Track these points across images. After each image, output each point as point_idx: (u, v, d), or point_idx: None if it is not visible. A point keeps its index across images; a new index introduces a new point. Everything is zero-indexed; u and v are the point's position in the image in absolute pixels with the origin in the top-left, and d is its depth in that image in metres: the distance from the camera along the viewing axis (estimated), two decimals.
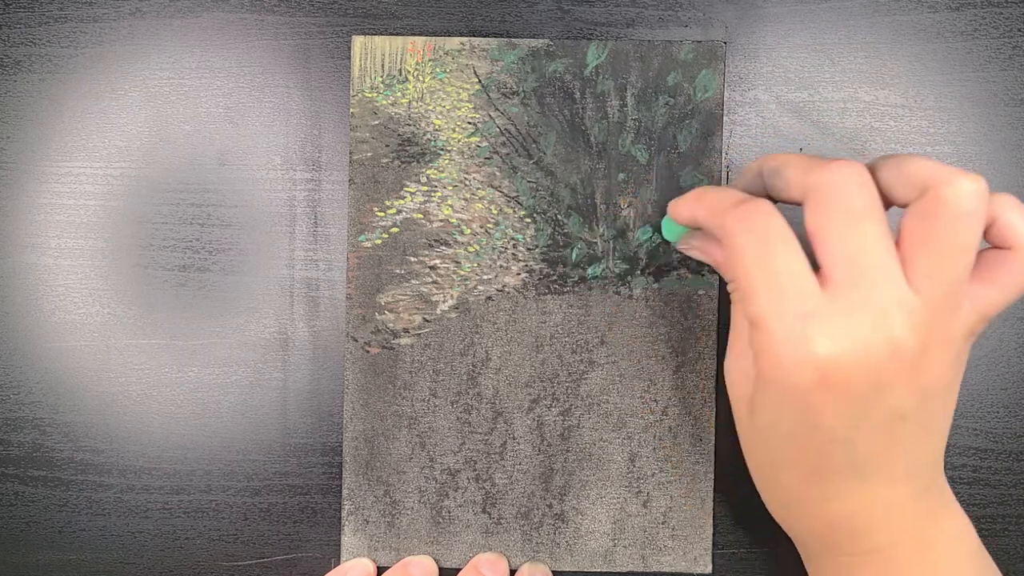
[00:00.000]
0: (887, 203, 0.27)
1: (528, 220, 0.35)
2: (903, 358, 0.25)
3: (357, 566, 0.35)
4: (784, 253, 0.25)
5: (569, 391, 0.35)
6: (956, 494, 0.37)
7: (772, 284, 0.25)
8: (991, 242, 0.27)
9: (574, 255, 0.35)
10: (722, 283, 0.35)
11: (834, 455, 0.27)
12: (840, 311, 0.25)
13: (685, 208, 0.30)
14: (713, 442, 0.35)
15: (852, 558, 0.29)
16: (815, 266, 0.26)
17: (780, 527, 0.36)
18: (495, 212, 0.35)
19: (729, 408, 0.36)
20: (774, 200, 0.29)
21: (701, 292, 0.35)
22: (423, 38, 0.35)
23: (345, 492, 0.35)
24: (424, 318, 0.35)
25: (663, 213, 0.35)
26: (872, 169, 0.27)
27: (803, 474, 0.28)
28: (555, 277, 0.35)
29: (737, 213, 0.26)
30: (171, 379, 0.36)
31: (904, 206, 0.26)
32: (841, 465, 0.27)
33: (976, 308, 0.27)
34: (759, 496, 0.36)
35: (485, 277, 0.35)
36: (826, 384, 0.25)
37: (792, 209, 0.28)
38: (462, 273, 0.35)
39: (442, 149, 0.35)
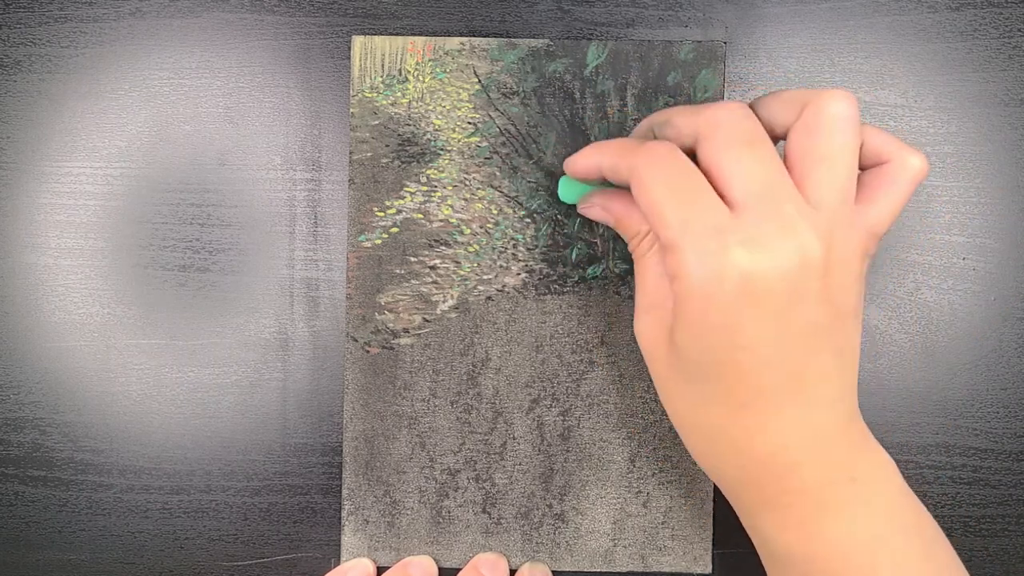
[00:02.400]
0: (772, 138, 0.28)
1: (528, 220, 0.35)
2: (814, 269, 0.26)
3: (357, 566, 0.35)
4: (691, 178, 0.27)
5: (569, 391, 0.35)
6: (956, 494, 0.37)
7: (683, 206, 0.26)
8: (865, 164, 0.29)
9: (574, 255, 0.35)
10: None
11: (761, 376, 0.27)
12: (751, 224, 0.26)
13: (585, 160, 0.31)
14: None
15: (782, 498, 0.29)
16: None
17: None
18: (495, 212, 0.35)
19: None
20: None
21: None
22: (423, 38, 0.35)
23: (345, 492, 0.35)
24: (424, 318, 0.35)
25: None
26: (754, 107, 0.29)
27: (730, 408, 0.28)
28: (555, 277, 0.35)
29: (642, 150, 0.28)
30: (171, 379, 0.36)
31: (784, 132, 0.28)
32: (768, 388, 0.27)
33: (865, 227, 0.28)
34: None
35: (485, 277, 0.35)
36: (747, 294, 0.26)
37: None
38: (462, 273, 0.35)
39: (442, 149, 0.35)
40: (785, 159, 0.27)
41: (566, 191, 0.34)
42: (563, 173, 0.35)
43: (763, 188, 0.26)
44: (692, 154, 0.28)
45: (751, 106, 0.29)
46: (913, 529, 0.29)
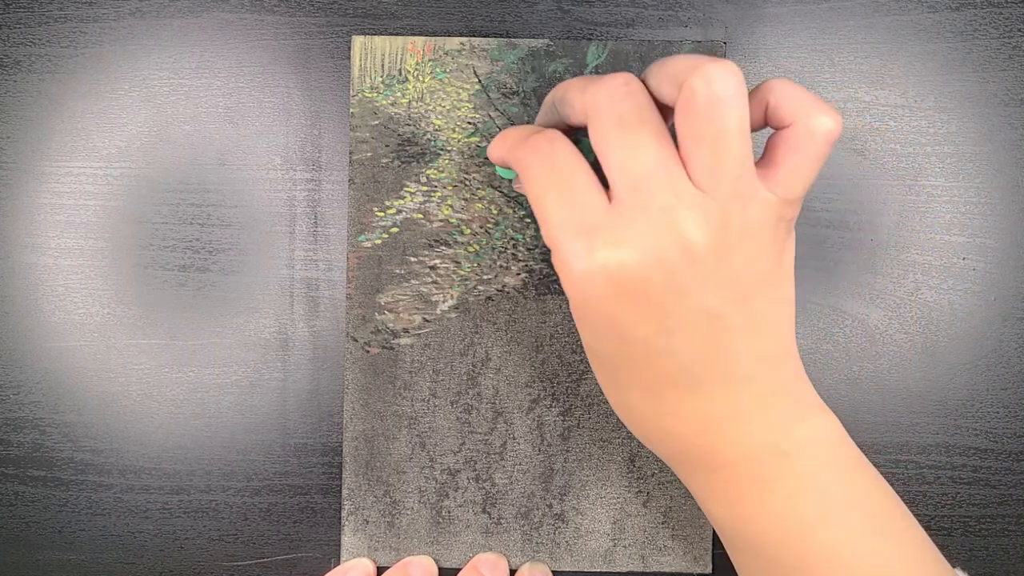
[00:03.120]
0: (666, 112, 0.27)
1: (528, 220, 0.35)
2: (698, 257, 0.25)
3: (357, 566, 0.35)
4: (570, 175, 0.26)
5: (569, 391, 0.35)
6: (956, 494, 0.37)
7: (560, 205, 0.26)
8: (774, 126, 0.27)
9: None
10: None
11: (660, 366, 0.26)
12: (622, 220, 0.25)
13: (494, 150, 0.31)
14: None
15: (713, 475, 0.28)
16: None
17: None
18: (495, 212, 0.35)
19: None
20: (574, 129, 0.30)
21: None
22: (423, 38, 0.35)
23: (345, 492, 0.35)
24: (424, 318, 0.35)
25: None
26: (645, 77, 0.27)
27: (640, 391, 0.27)
28: (555, 277, 0.35)
29: (527, 144, 0.27)
30: (171, 379, 0.36)
31: (673, 105, 0.26)
32: (672, 375, 0.27)
33: (777, 193, 0.26)
34: None
35: (485, 277, 0.35)
36: (619, 292, 0.25)
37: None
38: (462, 273, 0.35)
39: (442, 149, 0.35)
40: (676, 138, 0.26)
41: (502, 169, 0.35)
42: None
43: (639, 176, 0.25)
44: None
45: (645, 73, 0.27)
46: (859, 502, 0.28)
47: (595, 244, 0.25)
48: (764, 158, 0.27)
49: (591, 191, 0.26)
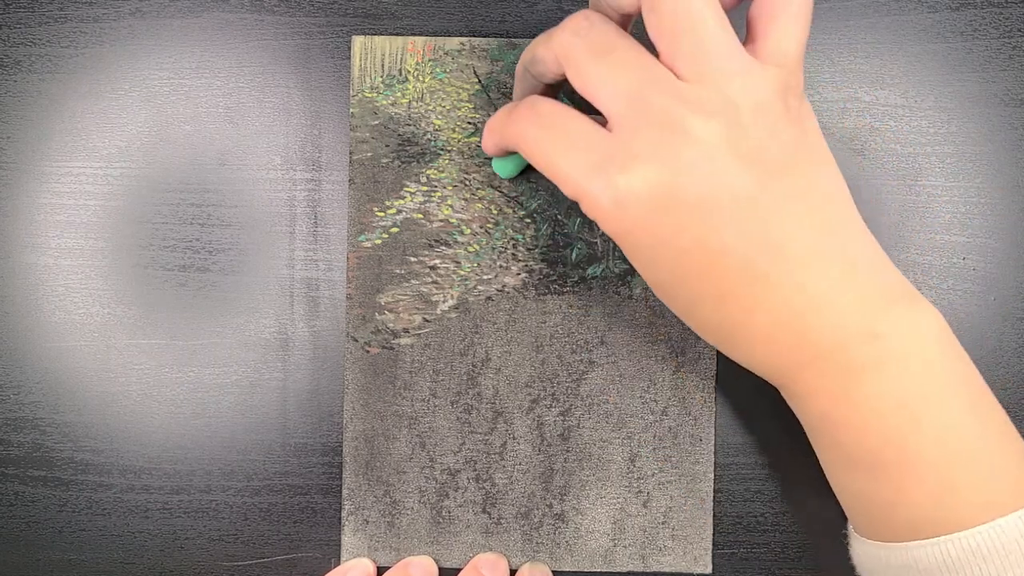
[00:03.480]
0: (627, 22, 0.27)
1: (528, 220, 0.35)
2: (713, 144, 0.24)
3: (357, 566, 0.35)
4: (563, 124, 0.26)
5: (569, 391, 0.35)
6: None
7: (566, 154, 0.25)
8: None
9: (574, 255, 0.35)
10: None
11: (723, 268, 0.26)
12: (627, 141, 0.25)
13: (486, 141, 0.31)
14: (713, 442, 0.35)
15: (801, 370, 0.27)
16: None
17: (780, 528, 0.36)
18: (495, 212, 0.35)
19: (729, 407, 0.36)
20: (555, 90, 0.30)
21: None
22: (423, 38, 0.35)
23: (345, 492, 0.35)
24: (424, 318, 0.35)
25: None
26: (596, 2, 0.27)
27: (713, 301, 0.27)
28: (555, 277, 0.35)
29: (512, 118, 0.27)
30: (171, 379, 0.36)
31: (639, 12, 0.26)
32: (737, 273, 0.26)
33: (775, 64, 0.26)
34: (759, 496, 0.36)
35: (485, 277, 0.35)
36: (653, 208, 0.25)
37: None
38: (462, 273, 0.35)
39: (442, 149, 0.35)
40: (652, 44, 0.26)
41: (499, 167, 0.34)
42: None
43: (629, 92, 0.25)
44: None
45: (593, 5, 0.27)
46: (962, 388, 0.27)
47: (611, 175, 0.24)
48: (749, 35, 0.27)
49: (588, 130, 0.25)
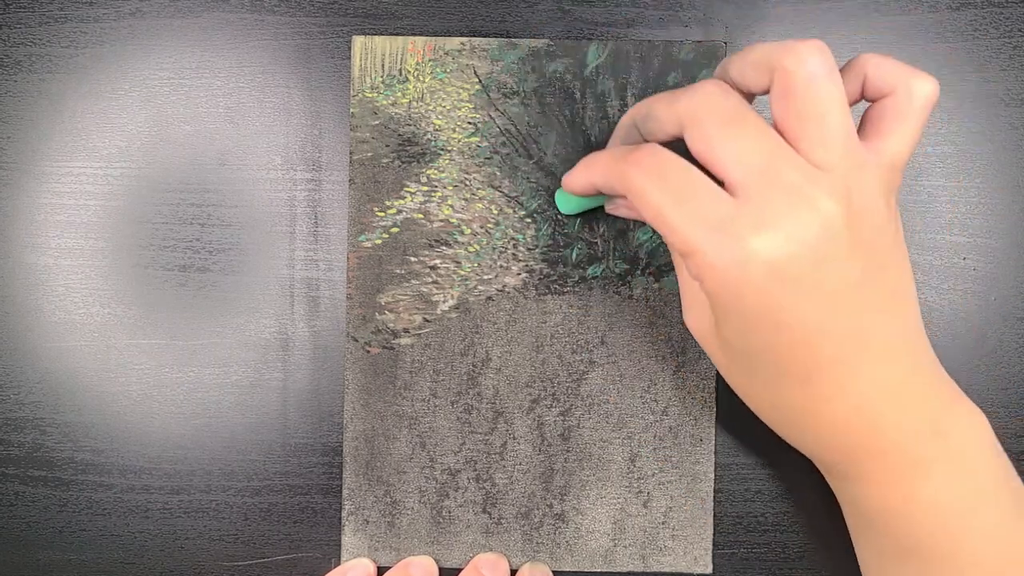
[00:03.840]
0: (750, 99, 0.28)
1: (528, 220, 0.35)
2: (835, 230, 0.25)
3: (357, 566, 0.35)
4: (684, 176, 0.26)
5: (569, 391, 0.35)
6: None
7: (683, 207, 0.26)
8: (872, 97, 0.28)
9: (574, 255, 0.35)
10: None
11: (816, 348, 0.26)
12: (758, 206, 0.25)
13: (580, 178, 0.31)
14: (713, 442, 0.35)
15: (871, 462, 0.28)
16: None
17: (780, 528, 0.36)
18: (495, 212, 0.35)
19: (729, 408, 0.36)
20: None
21: None
22: (423, 38, 0.35)
23: (345, 492, 0.35)
24: (424, 318, 0.35)
25: None
26: (724, 73, 0.28)
27: (794, 380, 0.27)
28: (555, 277, 0.35)
29: (628, 160, 0.27)
30: (171, 379, 0.36)
31: (765, 93, 0.27)
32: (828, 357, 0.26)
33: (883, 163, 0.27)
34: (759, 496, 0.36)
35: (485, 277, 0.35)
36: (773, 277, 0.25)
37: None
38: (462, 273, 0.35)
39: (442, 149, 0.35)
40: (774, 124, 0.26)
41: (564, 203, 0.34)
42: (564, 173, 0.35)
43: (761, 163, 0.25)
44: (682, 143, 0.27)
45: (721, 69, 0.28)
46: (1008, 484, 0.28)
47: (739, 233, 0.25)
48: (865, 130, 0.28)
49: (711, 187, 0.26)
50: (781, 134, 0.26)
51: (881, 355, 0.27)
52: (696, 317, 0.29)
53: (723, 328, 0.27)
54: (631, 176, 0.27)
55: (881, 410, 0.27)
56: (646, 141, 0.30)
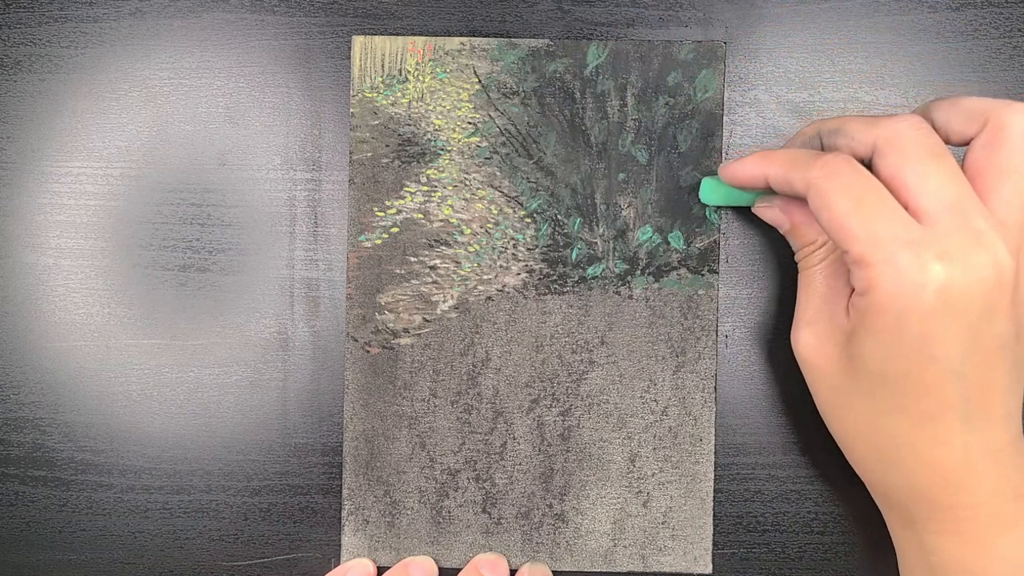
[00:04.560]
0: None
1: (528, 220, 0.35)
2: (1006, 281, 0.26)
3: (357, 566, 0.35)
4: (877, 192, 0.27)
5: (569, 391, 0.35)
6: None
7: (872, 221, 0.26)
8: None
9: (574, 255, 0.35)
10: (721, 283, 0.35)
11: (947, 390, 0.27)
12: (944, 237, 0.26)
13: (750, 167, 0.31)
14: (713, 442, 0.35)
15: (955, 512, 0.29)
16: None
17: (780, 528, 0.36)
18: (495, 212, 0.35)
19: (729, 407, 0.36)
20: None
21: (701, 292, 0.35)
22: (423, 38, 0.35)
23: (345, 492, 0.35)
24: (424, 318, 0.35)
25: (663, 213, 0.35)
26: (925, 113, 0.29)
27: (915, 417, 0.28)
28: (555, 277, 0.35)
29: (820, 163, 0.28)
30: (171, 379, 0.36)
31: (961, 144, 0.28)
32: (955, 402, 0.27)
33: None
34: (759, 496, 0.36)
35: (485, 277, 0.35)
36: (945, 308, 0.26)
37: None
38: (462, 273, 0.35)
39: (442, 149, 0.35)
40: (965, 170, 0.27)
41: (710, 194, 0.34)
42: (563, 173, 0.35)
43: (953, 201, 0.26)
44: (865, 165, 0.28)
45: (923, 109, 0.29)
46: None
47: (924, 256, 0.26)
48: None
49: (900, 210, 0.26)
50: (971, 181, 0.27)
51: (996, 420, 0.28)
52: (815, 336, 0.30)
53: (864, 345, 0.28)
54: (821, 178, 0.27)
55: (981, 468, 0.28)
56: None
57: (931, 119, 0.29)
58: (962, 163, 0.28)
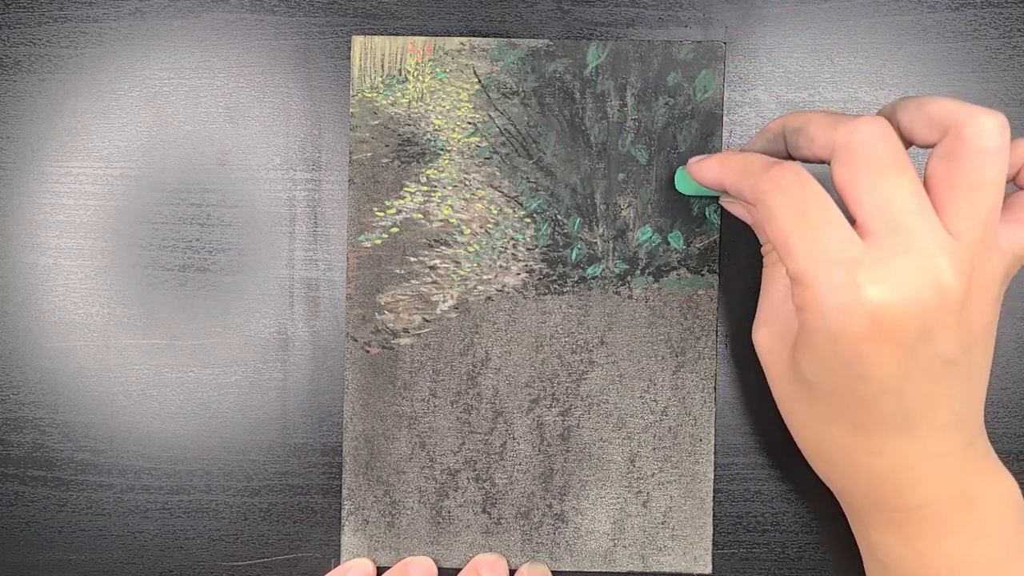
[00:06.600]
0: (908, 144, 0.27)
1: (528, 220, 0.35)
2: (950, 302, 0.25)
3: (357, 566, 0.35)
4: (820, 209, 0.26)
5: (569, 391, 0.35)
6: None
7: (812, 238, 0.25)
8: (1020, 185, 0.28)
9: (574, 255, 0.35)
10: (721, 283, 0.35)
11: (883, 405, 0.26)
12: (884, 258, 0.25)
13: (709, 171, 0.30)
14: (713, 442, 0.35)
15: (897, 514, 0.29)
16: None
17: (780, 528, 0.36)
18: (495, 212, 0.35)
19: (729, 407, 0.36)
20: (796, 160, 0.30)
21: (701, 292, 0.35)
22: (423, 38, 0.35)
23: (345, 492, 0.35)
24: (424, 318, 0.35)
25: (663, 213, 0.35)
26: (892, 113, 0.28)
27: (850, 427, 0.28)
28: (555, 277, 0.35)
29: (768, 175, 0.26)
30: (171, 379, 0.36)
31: (927, 147, 0.27)
32: (889, 415, 0.27)
33: (1011, 249, 0.27)
34: (759, 496, 0.36)
35: (485, 277, 0.35)
36: (877, 332, 0.25)
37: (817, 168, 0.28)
38: (462, 273, 0.35)
39: (442, 149, 0.35)
40: (925, 179, 0.26)
41: (683, 184, 0.34)
42: (563, 173, 0.35)
43: (899, 217, 0.25)
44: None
45: (890, 109, 0.28)
46: (1021, 550, 0.29)
47: (859, 280, 0.25)
48: (1007, 212, 0.27)
49: (844, 226, 0.25)
50: (928, 190, 0.26)
51: (940, 428, 0.27)
52: (770, 336, 0.30)
53: (802, 359, 0.28)
54: (767, 192, 0.26)
55: (920, 474, 0.28)
56: (789, 154, 0.30)
57: (896, 120, 0.27)
58: (923, 170, 0.27)
